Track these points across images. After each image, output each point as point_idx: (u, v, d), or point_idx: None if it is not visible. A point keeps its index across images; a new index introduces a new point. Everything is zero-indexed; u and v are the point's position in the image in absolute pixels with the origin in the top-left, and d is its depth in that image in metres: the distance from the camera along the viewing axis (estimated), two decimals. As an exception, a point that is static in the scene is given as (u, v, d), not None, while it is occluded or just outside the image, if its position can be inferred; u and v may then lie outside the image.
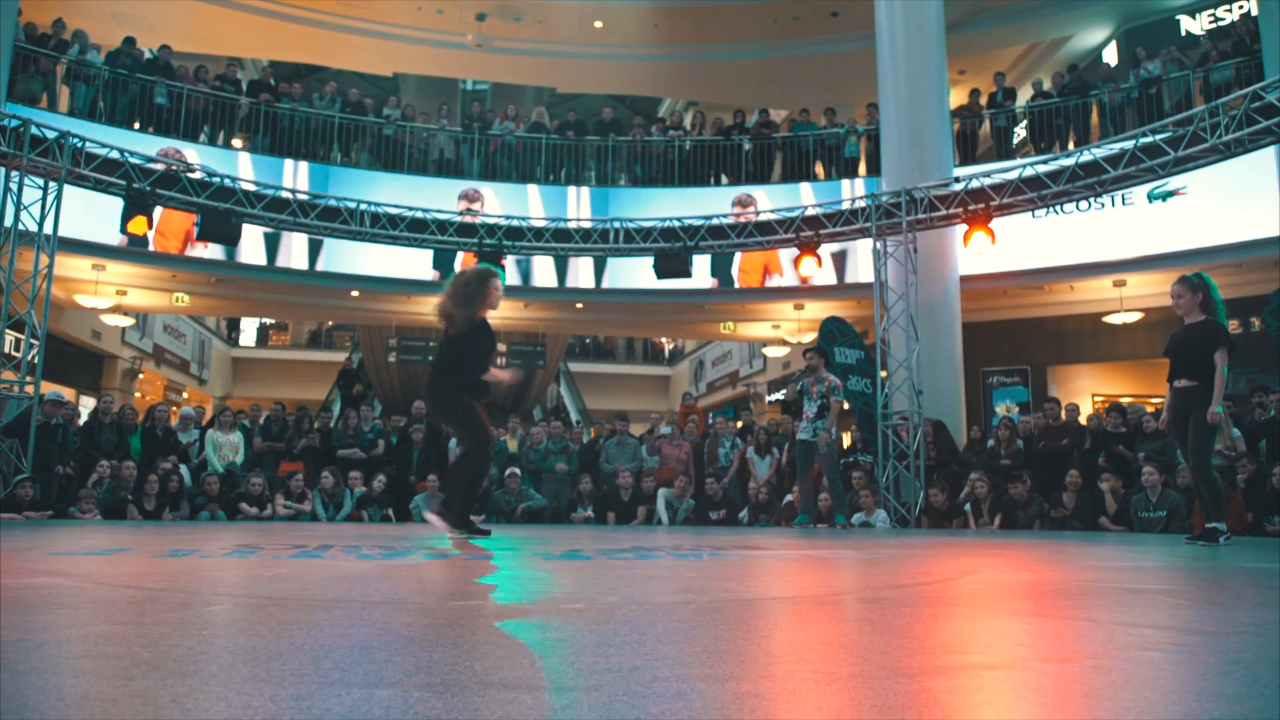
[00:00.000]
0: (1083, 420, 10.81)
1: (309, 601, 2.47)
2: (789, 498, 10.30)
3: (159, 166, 11.01)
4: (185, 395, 24.04)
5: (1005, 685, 1.48)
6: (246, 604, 2.44)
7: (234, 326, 28.93)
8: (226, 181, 11.35)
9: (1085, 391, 16.28)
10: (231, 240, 11.76)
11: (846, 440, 11.99)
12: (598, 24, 17.68)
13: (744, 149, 15.71)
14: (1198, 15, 16.36)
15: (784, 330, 16.74)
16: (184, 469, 10.34)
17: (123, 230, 11.64)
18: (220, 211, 11.09)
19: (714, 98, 19.96)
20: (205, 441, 10.89)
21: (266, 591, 2.75)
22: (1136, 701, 1.32)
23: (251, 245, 13.83)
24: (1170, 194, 12.80)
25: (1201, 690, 1.39)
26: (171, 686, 1.32)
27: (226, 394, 25.78)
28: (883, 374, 11.30)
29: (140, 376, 20.91)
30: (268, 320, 29.60)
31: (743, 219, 12.59)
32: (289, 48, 18.39)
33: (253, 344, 29.83)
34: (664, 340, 30.06)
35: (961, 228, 10.97)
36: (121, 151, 10.67)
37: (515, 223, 12.62)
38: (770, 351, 19.82)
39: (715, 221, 12.39)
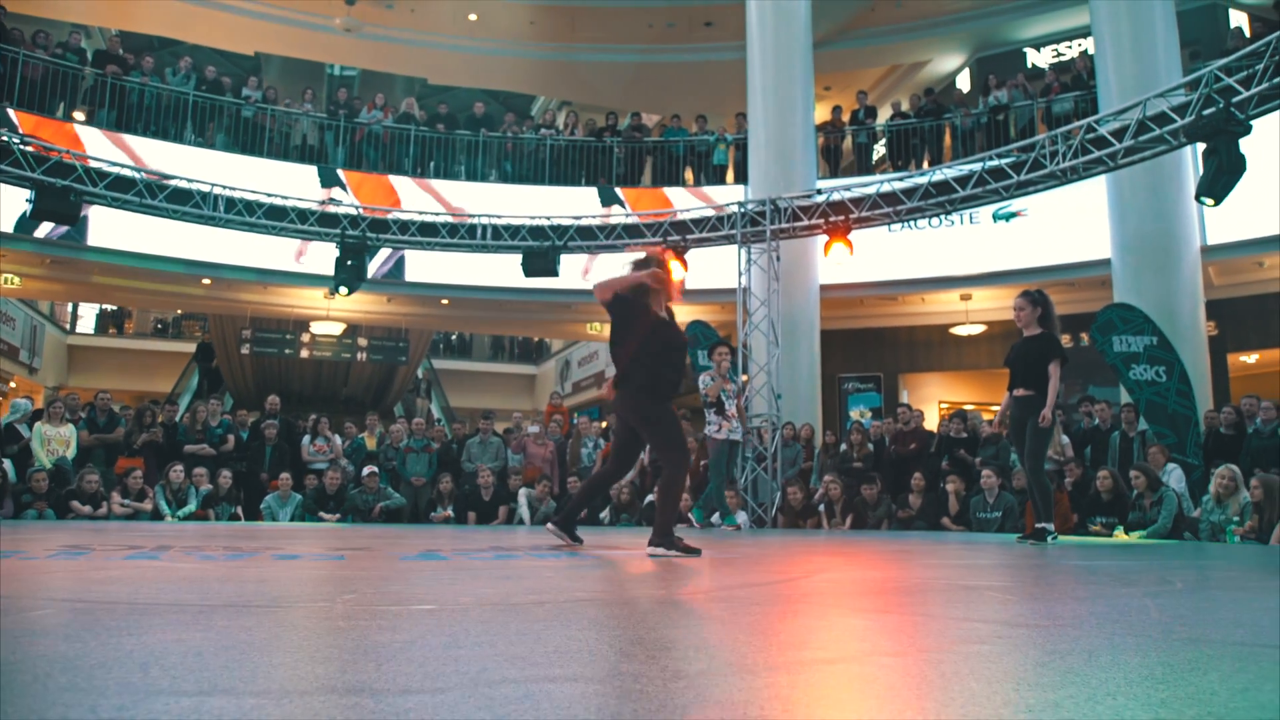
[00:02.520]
0: (930, 426, 11.34)
1: (141, 606, 2.35)
2: (650, 498, 10.41)
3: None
4: (13, 385, 22.38)
5: (845, 679, 1.54)
6: (71, 609, 2.29)
7: (113, 315, 27.13)
8: (66, 156, 10.63)
9: (933, 398, 17.10)
10: (69, 220, 11.03)
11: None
12: (472, 17, 17.44)
13: (615, 151, 15.79)
14: (1042, 49, 17.48)
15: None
16: (8, 463, 9.62)
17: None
18: (58, 189, 10.38)
19: (587, 99, 19.99)
20: (32, 434, 10.17)
21: (95, 595, 2.59)
22: (962, 691, 1.39)
23: (94, 226, 13.00)
24: (1013, 215, 13.60)
25: (1020, 680, 1.48)
26: (-22, 697, 1.23)
27: (60, 384, 24.12)
28: (743, 378, 11.56)
29: (-39, 363, 19.36)
30: (109, 306, 27.86)
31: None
32: (141, 18, 17.37)
33: (91, 331, 27.99)
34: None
35: (822, 238, 11.33)
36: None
37: (380, 215, 12.31)
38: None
39: (584, 222, 12.41)
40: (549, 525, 5.43)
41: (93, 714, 1.17)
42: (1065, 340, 7.09)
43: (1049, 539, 6.21)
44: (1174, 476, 8.52)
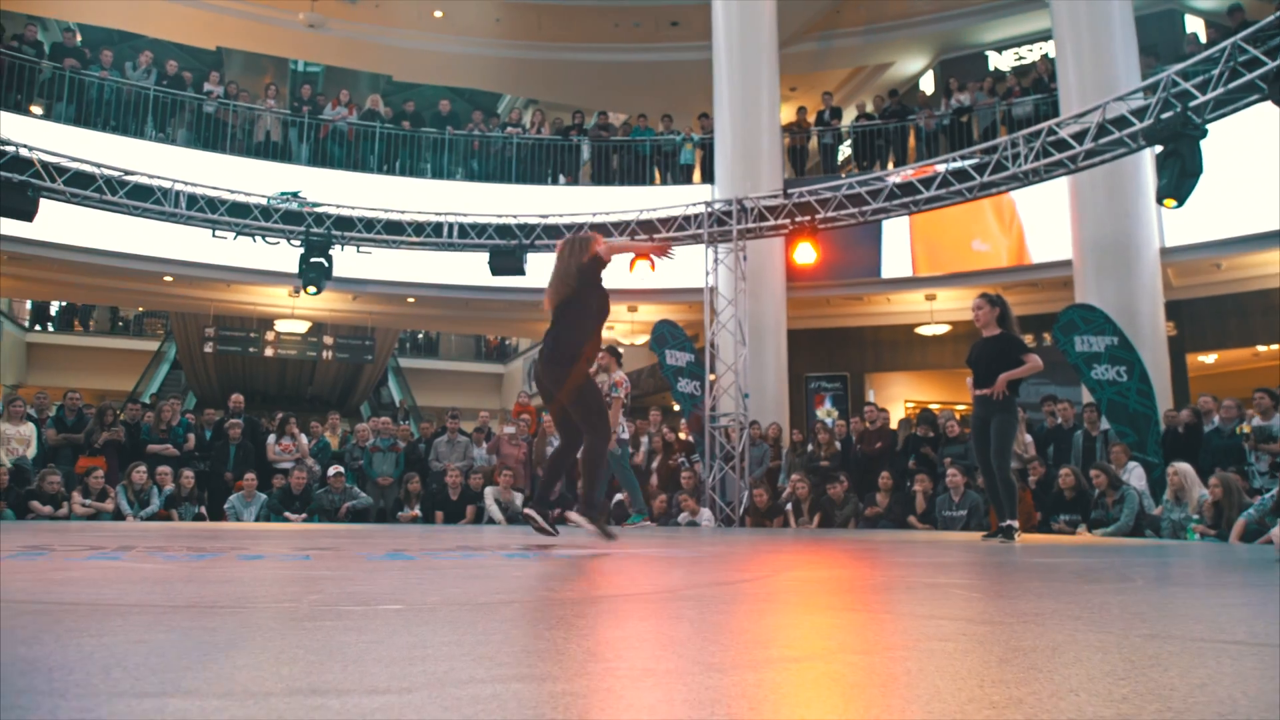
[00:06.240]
0: (897, 426, 11.44)
1: (102, 607, 2.31)
2: (619, 497, 10.42)
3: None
4: (-32, 383, 21.93)
5: (811, 677, 1.55)
6: (30, 611, 2.25)
7: (74, 312, 26.72)
8: (23, 151, 10.42)
9: (899, 398, 17.25)
10: (27, 215, 10.81)
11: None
12: (438, 14, 17.34)
13: (582, 150, 15.79)
14: (1004, 52, 17.69)
15: (618, 331, 16.91)
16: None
17: None
18: (15, 184, 10.18)
19: (553, 97, 19.95)
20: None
21: (55, 596, 2.54)
22: (927, 689, 1.40)
23: (52, 222, 12.76)
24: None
25: (984, 677, 1.50)
26: (-67, 702, 1.20)
27: (19, 382, 23.66)
28: (711, 377, 11.59)
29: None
30: (64, 302, 27.37)
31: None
32: (99, 11, 17.09)
33: (51, 329, 27.46)
34: (494, 338, 29.80)
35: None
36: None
37: (345, 212, 12.20)
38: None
39: (551, 220, 12.38)
40: (526, 510, 5.52)
41: (52, 716, 1.15)
42: (1028, 340, 7.19)
43: (1015, 536, 6.28)
44: (1135, 475, 8.67)
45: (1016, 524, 6.39)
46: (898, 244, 14.46)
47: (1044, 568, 4.17)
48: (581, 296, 5.14)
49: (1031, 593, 3.04)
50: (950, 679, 1.47)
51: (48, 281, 15.53)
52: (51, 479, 9.28)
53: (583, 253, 5.11)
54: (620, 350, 9.56)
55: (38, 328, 26.77)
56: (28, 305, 26.26)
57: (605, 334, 17.05)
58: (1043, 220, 13.17)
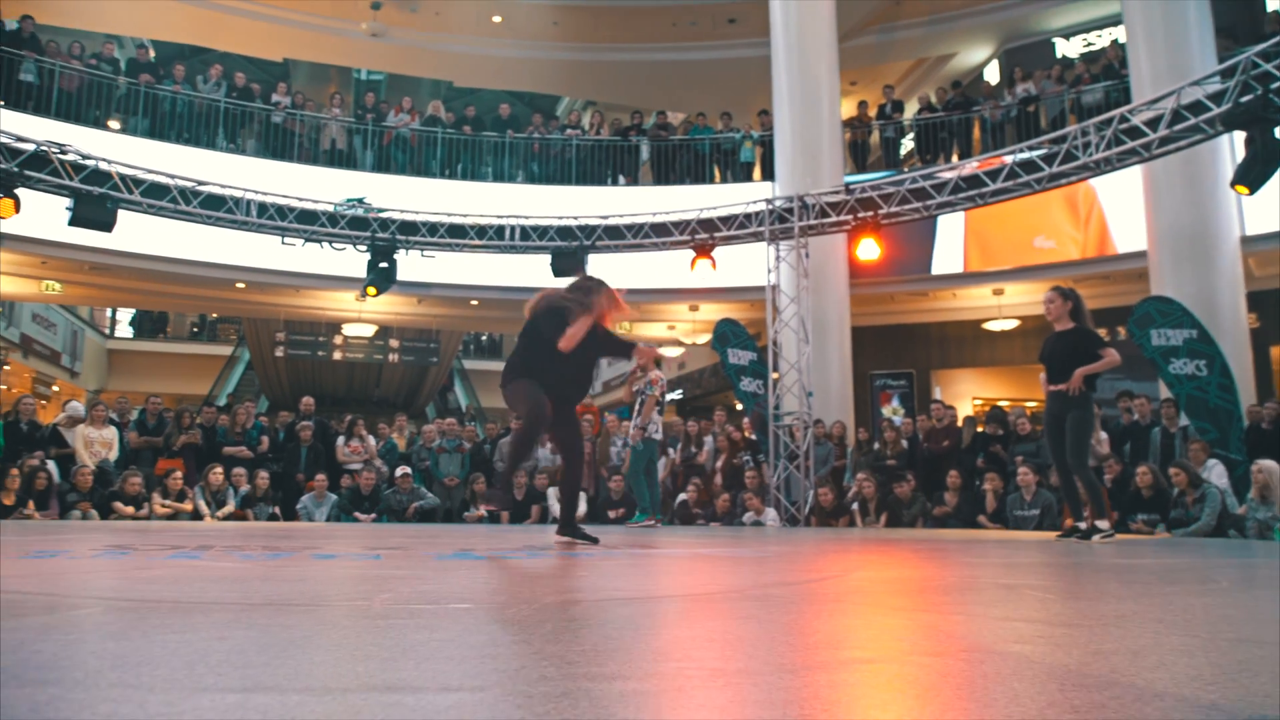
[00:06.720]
0: (962, 423, 11.24)
1: (185, 604, 2.37)
2: (682, 496, 10.42)
3: (28, 146, 10.39)
4: (55, 389, 22.80)
5: (884, 679, 1.53)
6: (117, 607, 2.32)
7: (162, 320, 27.78)
8: (102, 164, 10.79)
9: (966, 395, 16.94)
10: (106, 227, 11.19)
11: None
12: (496, 19, 17.52)
13: (641, 150, 15.81)
14: (1072, 39, 17.25)
15: (679, 331, 16.90)
16: (52, 465, 9.79)
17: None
18: (95, 196, 10.54)
19: (612, 98, 20.01)
20: (74, 436, 10.34)
21: (139, 594, 2.63)
22: (1005, 692, 1.37)
23: (129, 233, 13.20)
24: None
25: (1065, 681, 1.46)
26: (30, 695, 1.25)
27: (100, 388, 24.55)
28: (774, 375, 11.52)
29: (5, 368, 19.73)
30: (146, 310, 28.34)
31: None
32: (171, 27, 17.62)
33: (130, 335, 28.44)
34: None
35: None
36: (-15, 129, 10.03)
37: (409, 217, 12.39)
38: (666, 351, 19.96)
39: (611, 221, 12.41)
40: (555, 540, 5.33)
41: (142, 710, 1.18)
42: (1102, 334, 6.98)
43: (1095, 538, 6.08)
44: (1215, 473, 8.38)
45: (1106, 524, 6.19)
46: (950, 240, 14.21)
47: (1122, 569, 4.05)
48: (535, 329, 5.17)
49: (1110, 595, 2.96)
50: (1029, 682, 1.44)
51: (126, 290, 16.05)
52: (133, 480, 9.60)
53: (550, 312, 5.15)
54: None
55: (121, 334, 27.73)
56: (108, 314, 27.19)
57: (665, 333, 16.91)
58: (1122, 210, 12.80)
